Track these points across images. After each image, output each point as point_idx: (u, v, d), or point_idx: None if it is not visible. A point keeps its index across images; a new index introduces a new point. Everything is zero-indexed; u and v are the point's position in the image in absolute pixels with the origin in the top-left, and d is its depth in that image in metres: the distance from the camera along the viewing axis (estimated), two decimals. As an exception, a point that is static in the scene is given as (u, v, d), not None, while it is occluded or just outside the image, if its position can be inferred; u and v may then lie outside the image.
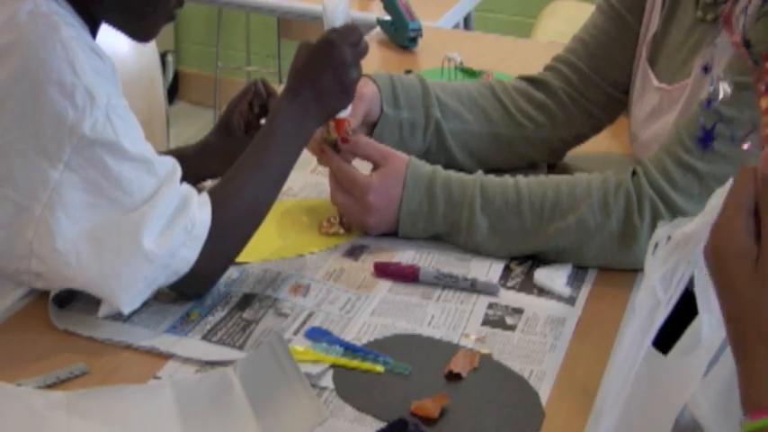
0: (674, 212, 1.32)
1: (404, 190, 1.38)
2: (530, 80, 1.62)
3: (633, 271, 1.36)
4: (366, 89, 1.50)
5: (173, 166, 1.22)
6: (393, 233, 1.41)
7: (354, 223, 1.42)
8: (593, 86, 1.59)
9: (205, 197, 1.23)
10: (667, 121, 1.45)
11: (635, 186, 1.34)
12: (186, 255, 1.19)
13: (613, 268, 1.36)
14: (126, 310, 1.18)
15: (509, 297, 1.31)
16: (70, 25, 1.17)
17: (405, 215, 1.39)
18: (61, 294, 1.23)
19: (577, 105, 1.60)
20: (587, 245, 1.35)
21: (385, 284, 1.33)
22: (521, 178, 1.39)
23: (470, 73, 2.02)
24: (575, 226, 1.34)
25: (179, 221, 1.18)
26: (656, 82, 1.51)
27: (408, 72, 2.03)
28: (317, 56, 1.32)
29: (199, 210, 1.21)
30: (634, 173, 1.36)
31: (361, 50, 1.34)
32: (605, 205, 1.34)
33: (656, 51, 1.53)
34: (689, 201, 1.32)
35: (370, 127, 1.52)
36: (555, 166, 1.64)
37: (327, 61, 1.32)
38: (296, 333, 1.22)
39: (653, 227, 1.32)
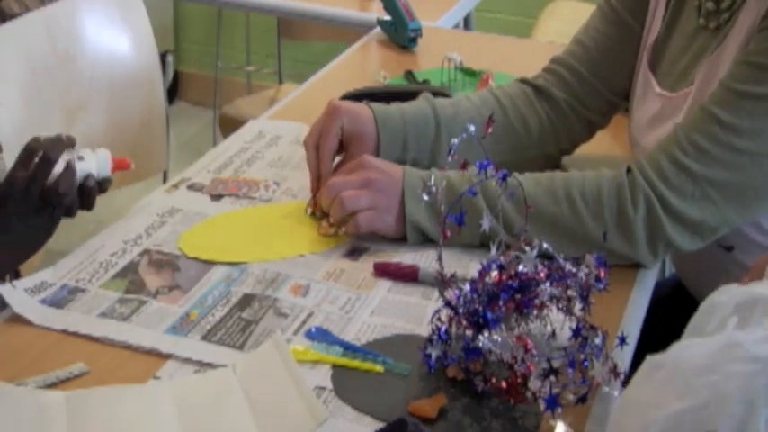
0: (668, 210, 1.32)
1: (403, 182, 1.38)
2: (532, 86, 1.61)
3: (633, 270, 1.36)
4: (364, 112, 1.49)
5: None
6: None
7: (355, 207, 1.39)
8: (594, 94, 1.58)
9: None
10: (668, 129, 1.44)
11: (629, 181, 1.34)
12: None
13: (611, 263, 1.36)
14: None
15: (509, 297, 1.30)
16: None
17: (409, 204, 1.38)
18: (59, 295, 1.23)
19: (578, 115, 1.59)
20: (582, 237, 1.34)
21: (385, 284, 1.33)
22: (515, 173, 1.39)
23: (470, 73, 2.01)
24: (569, 216, 1.34)
25: None
26: (657, 89, 1.50)
27: (409, 73, 2.04)
28: None
29: None
30: (629, 170, 1.36)
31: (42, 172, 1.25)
32: (598, 197, 1.34)
33: (657, 57, 1.52)
34: (683, 200, 1.32)
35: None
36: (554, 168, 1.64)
37: None
38: (296, 333, 1.22)
39: (648, 221, 1.33)
